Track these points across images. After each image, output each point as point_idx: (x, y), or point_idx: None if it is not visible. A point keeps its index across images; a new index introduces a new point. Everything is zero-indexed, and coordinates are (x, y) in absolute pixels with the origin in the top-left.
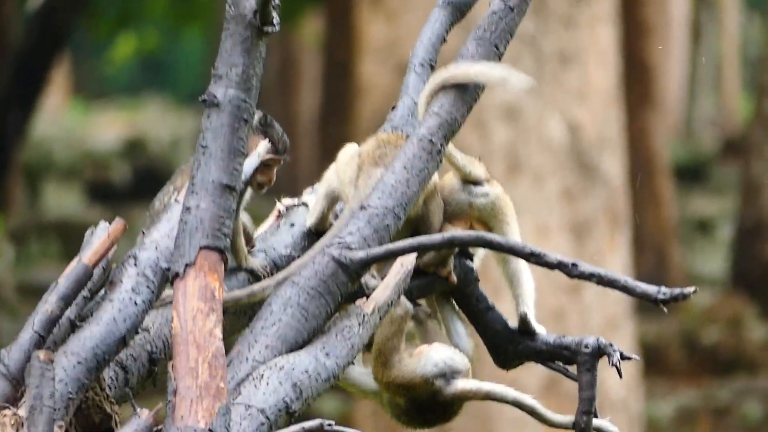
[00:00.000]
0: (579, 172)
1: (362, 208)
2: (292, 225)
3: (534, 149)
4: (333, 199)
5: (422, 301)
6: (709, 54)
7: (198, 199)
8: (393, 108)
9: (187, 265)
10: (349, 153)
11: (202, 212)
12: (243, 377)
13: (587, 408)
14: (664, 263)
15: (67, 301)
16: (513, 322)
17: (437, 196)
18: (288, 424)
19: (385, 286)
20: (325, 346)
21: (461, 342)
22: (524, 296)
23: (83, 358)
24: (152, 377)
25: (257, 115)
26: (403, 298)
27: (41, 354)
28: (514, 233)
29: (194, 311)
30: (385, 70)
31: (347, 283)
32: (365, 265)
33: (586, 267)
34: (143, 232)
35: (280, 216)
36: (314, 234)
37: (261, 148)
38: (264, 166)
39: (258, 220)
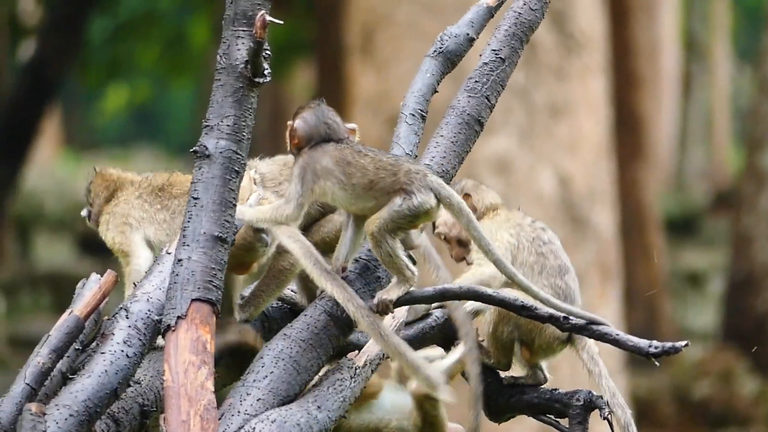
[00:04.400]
0: (570, 225)
1: (355, 260)
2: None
3: (525, 201)
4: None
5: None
6: (700, 106)
7: (189, 251)
8: None
9: (178, 318)
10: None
11: (194, 264)
12: (235, 430)
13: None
14: (655, 316)
15: (59, 353)
16: (505, 374)
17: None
18: None
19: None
20: (316, 399)
21: None
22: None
23: (75, 411)
24: (144, 430)
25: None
26: None
27: (33, 407)
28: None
29: (186, 364)
30: (376, 121)
31: (339, 336)
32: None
33: (577, 321)
34: (134, 284)
35: None
36: None
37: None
38: None
39: None
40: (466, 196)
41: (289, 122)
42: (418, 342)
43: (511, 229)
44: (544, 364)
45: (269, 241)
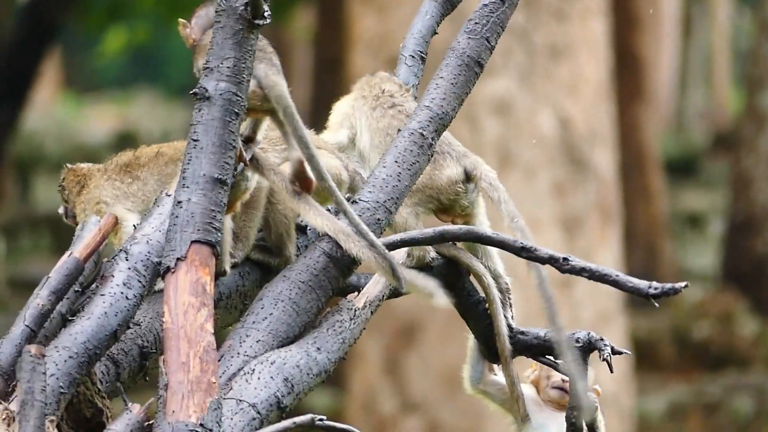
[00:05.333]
0: (570, 167)
1: (354, 202)
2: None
3: (525, 143)
4: None
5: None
6: (700, 47)
7: (189, 193)
8: None
9: (178, 260)
10: None
11: (193, 206)
12: (234, 372)
13: (578, 402)
14: (655, 258)
15: (58, 295)
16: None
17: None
18: (279, 419)
19: (376, 281)
20: (316, 341)
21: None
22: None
23: (74, 353)
24: (143, 372)
25: None
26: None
27: (33, 349)
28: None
29: (185, 306)
30: (376, 62)
31: (338, 278)
32: (356, 259)
33: (577, 262)
34: (134, 226)
35: None
36: None
37: None
38: None
39: None
40: None
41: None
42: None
43: (353, 101)
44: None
45: (250, 177)
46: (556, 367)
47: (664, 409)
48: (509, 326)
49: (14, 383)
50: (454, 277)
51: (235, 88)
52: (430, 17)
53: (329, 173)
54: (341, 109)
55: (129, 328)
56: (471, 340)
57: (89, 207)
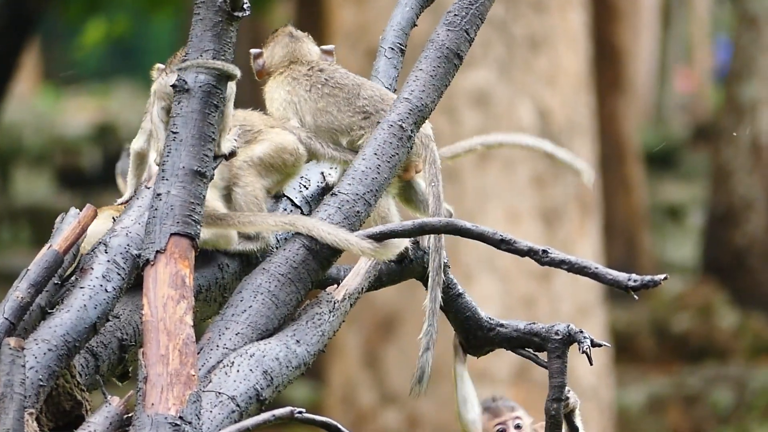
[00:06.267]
0: (549, 158)
1: (333, 194)
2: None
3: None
4: None
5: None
6: (680, 38)
7: (168, 185)
8: None
9: (157, 252)
10: None
11: (173, 199)
12: (214, 364)
13: (557, 395)
14: (635, 250)
15: (38, 287)
16: (483, 309)
17: None
18: (259, 411)
19: (356, 273)
20: (295, 333)
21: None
22: None
23: (54, 345)
24: (123, 364)
25: None
26: None
27: (12, 341)
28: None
29: (165, 298)
30: (355, 54)
31: (318, 270)
32: (336, 251)
33: (556, 254)
34: (113, 219)
35: None
36: None
37: None
38: None
39: None
40: (258, 55)
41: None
42: (397, 276)
43: (287, 86)
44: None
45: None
46: (536, 360)
47: (643, 401)
48: (488, 318)
49: None
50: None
51: (215, 81)
52: (410, 9)
53: (287, 148)
54: (280, 96)
55: (108, 320)
56: (464, 383)
57: None
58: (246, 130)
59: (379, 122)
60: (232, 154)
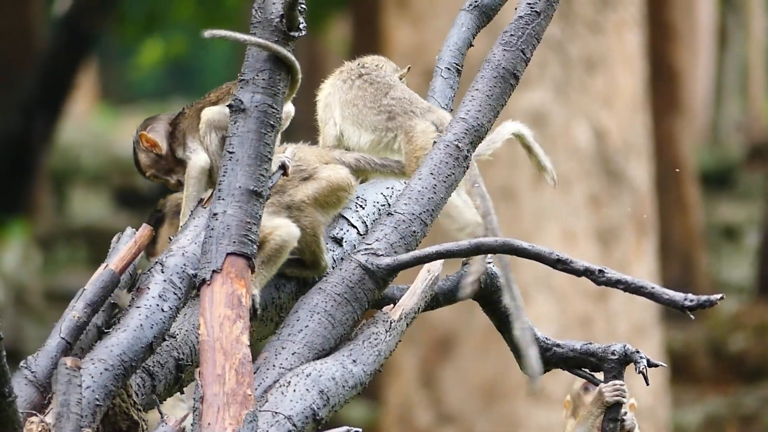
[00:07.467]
0: (605, 179)
1: (389, 214)
2: None
3: (560, 155)
4: None
5: None
6: (736, 59)
7: (225, 205)
8: None
9: (214, 272)
10: None
11: (229, 218)
12: (270, 384)
13: (614, 415)
14: (691, 270)
15: (94, 307)
16: (540, 329)
17: None
18: (315, 431)
19: (412, 293)
20: (352, 353)
21: None
22: None
23: (110, 365)
24: (179, 384)
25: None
26: None
27: (68, 361)
28: None
29: (221, 318)
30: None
31: (374, 290)
32: (392, 271)
33: (612, 274)
34: (170, 239)
35: None
36: None
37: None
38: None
39: None
40: None
41: None
42: (453, 296)
43: (331, 80)
44: None
45: None
46: (591, 380)
47: (700, 421)
48: (545, 338)
49: (50, 395)
50: (490, 290)
51: (271, 100)
52: (466, 29)
53: (341, 185)
54: (322, 94)
55: (164, 340)
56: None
57: None
58: (301, 169)
59: (410, 125)
60: (284, 167)
